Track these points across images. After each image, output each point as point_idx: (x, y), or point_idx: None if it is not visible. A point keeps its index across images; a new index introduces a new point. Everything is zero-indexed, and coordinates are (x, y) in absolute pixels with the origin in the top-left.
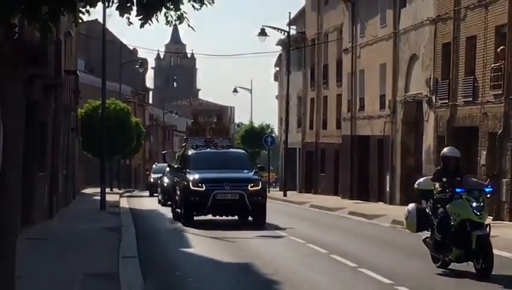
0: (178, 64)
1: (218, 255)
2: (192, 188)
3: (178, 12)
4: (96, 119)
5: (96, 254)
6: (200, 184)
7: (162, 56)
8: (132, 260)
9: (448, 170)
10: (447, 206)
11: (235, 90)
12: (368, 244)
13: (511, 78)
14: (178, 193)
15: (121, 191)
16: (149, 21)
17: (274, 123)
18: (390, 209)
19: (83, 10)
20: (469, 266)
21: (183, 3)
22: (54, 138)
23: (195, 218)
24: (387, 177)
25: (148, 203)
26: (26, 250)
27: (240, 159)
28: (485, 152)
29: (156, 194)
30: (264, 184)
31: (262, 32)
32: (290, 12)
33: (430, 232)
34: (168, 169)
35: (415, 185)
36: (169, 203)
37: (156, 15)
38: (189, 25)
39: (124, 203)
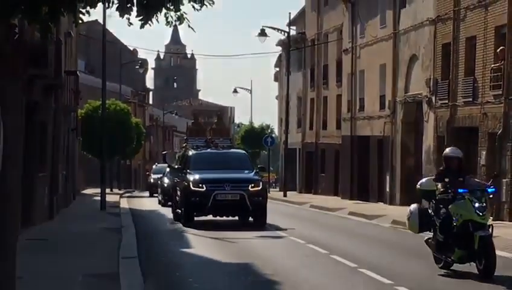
0: (178, 65)
1: (218, 256)
2: (193, 188)
3: (178, 13)
4: (96, 120)
5: (96, 255)
6: (200, 185)
7: (162, 57)
8: (132, 260)
9: (450, 171)
10: (449, 206)
11: (235, 91)
12: (368, 245)
13: (510, 78)
14: (178, 193)
15: (121, 192)
16: (149, 22)
17: (274, 123)
18: (390, 210)
19: (83, 11)
20: (471, 267)
21: (183, 4)
22: (54, 138)
23: (196, 218)
24: (387, 178)
25: (149, 203)
26: (27, 250)
27: (240, 160)
28: (484, 152)
29: (156, 195)
30: (265, 184)
31: (262, 33)
32: (290, 13)
33: (432, 233)
34: (168, 169)
35: (417, 186)
36: (169, 203)
37: (156, 15)
38: (189, 26)
39: (124, 203)
